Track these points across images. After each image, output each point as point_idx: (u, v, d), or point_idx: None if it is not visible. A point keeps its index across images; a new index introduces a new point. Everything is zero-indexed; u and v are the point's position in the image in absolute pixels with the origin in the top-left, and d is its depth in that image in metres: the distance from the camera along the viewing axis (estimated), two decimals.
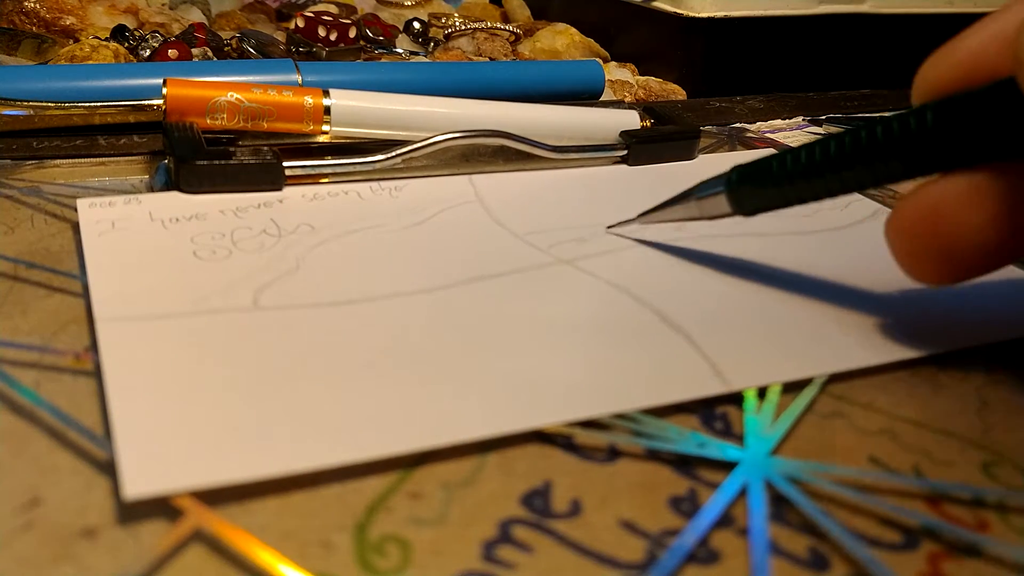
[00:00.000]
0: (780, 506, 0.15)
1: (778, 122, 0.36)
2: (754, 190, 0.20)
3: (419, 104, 0.28)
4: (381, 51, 0.40)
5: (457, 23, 0.44)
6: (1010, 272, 0.23)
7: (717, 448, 0.16)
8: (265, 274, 0.20)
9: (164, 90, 0.25)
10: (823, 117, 0.37)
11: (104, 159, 0.27)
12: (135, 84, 0.28)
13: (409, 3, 0.48)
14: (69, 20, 0.38)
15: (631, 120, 0.30)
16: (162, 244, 0.21)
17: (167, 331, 0.18)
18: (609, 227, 0.24)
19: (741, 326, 0.20)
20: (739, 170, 0.20)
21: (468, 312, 0.19)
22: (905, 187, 0.18)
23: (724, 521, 0.14)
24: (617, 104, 0.34)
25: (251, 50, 0.37)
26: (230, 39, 0.37)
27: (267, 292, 0.20)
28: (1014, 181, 0.16)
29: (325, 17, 0.40)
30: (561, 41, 0.42)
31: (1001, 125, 0.16)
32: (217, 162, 0.24)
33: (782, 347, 0.19)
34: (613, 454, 0.16)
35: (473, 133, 0.27)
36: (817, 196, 0.19)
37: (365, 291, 0.20)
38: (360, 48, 0.40)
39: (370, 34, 0.42)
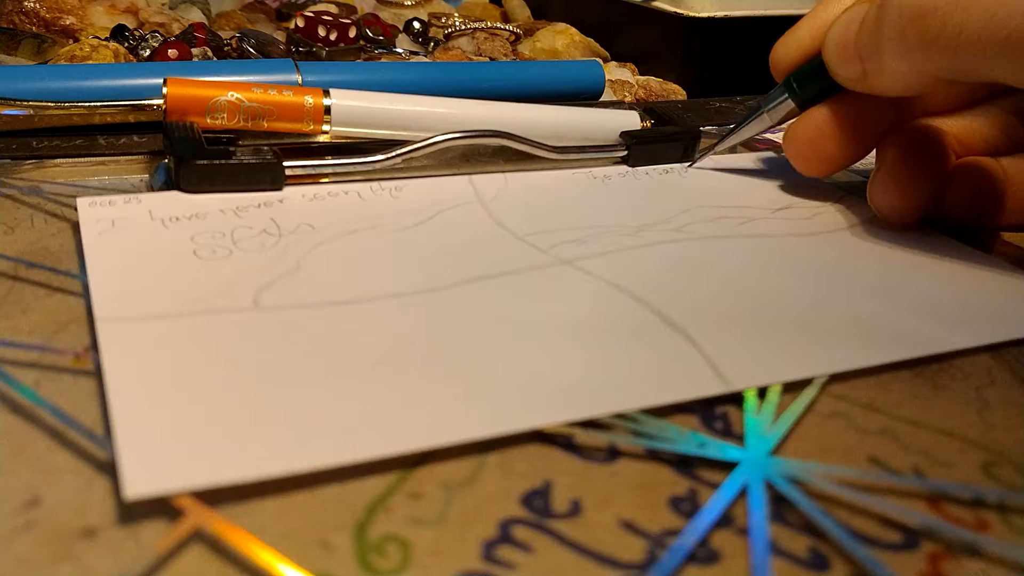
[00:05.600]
0: (780, 506, 0.15)
1: None
2: (810, 86, 0.26)
3: (419, 104, 0.28)
4: (381, 51, 0.40)
5: (457, 23, 0.44)
6: (1011, 272, 0.23)
7: (717, 448, 0.16)
8: (265, 274, 0.20)
9: (164, 89, 0.25)
10: None
11: (104, 159, 0.27)
12: (135, 84, 0.28)
13: (409, 3, 0.48)
14: (69, 20, 0.38)
15: (631, 121, 0.30)
16: (162, 243, 0.21)
17: (167, 331, 0.18)
18: (689, 165, 0.30)
19: (741, 326, 0.20)
20: (796, 77, 0.27)
21: (468, 312, 0.19)
22: None
23: (724, 521, 0.14)
24: (617, 104, 0.34)
25: (251, 50, 0.37)
26: (230, 39, 0.37)
27: (267, 292, 0.20)
28: (853, 107, 0.25)
29: (325, 17, 0.40)
30: (561, 41, 0.42)
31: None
32: (217, 162, 0.24)
33: (782, 347, 0.19)
34: (613, 454, 0.16)
35: (473, 133, 0.27)
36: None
37: (365, 291, 0.20)
38: (360, 48, 0.40)
39: (370, 34, 0.42)
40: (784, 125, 0.28)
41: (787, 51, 0.27)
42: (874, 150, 0.26)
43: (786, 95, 0.27)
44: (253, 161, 0.24)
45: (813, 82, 0.26)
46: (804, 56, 0.26)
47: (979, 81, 0.21)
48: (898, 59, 0.22)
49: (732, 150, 0.31)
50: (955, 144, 0.26)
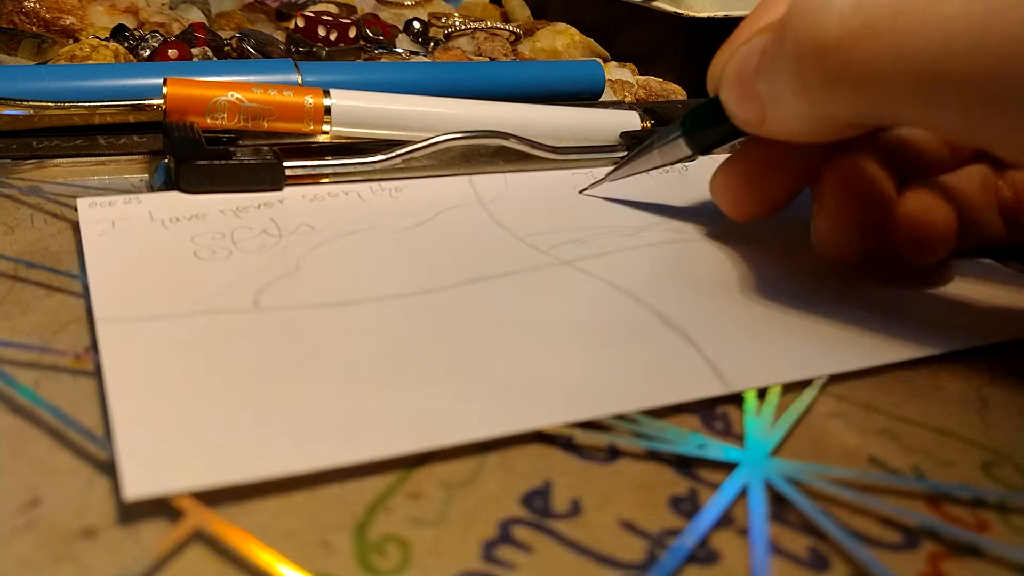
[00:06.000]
0: (780, 506, 0.15)
1: None
2: (707, 130, 0.23)
3: (419, 104, 0.28)
4: (381, 51, 0.40)
5: (457, 23, 0.44)
6: (1010, 273, 0.23)
7: (717, 449, 0.16)
8: (265, 274, 0.20)
9: (164, 89, 0.25)
10: None
11: (104, 159, 0.27)
12: (135, 84, 0.28)
13: (409, 3, 0.48)
14: (69, 20, 0.38)
15: (632, 121, 0.30)
16: (162, 244, 0.21)
17: (167, 331, 0.18)
18: (581, 191, 0.27)
19: (741, 327, 0.20)
20: (691, 115, 0.23)
21: (468, 313, 0.19)
22: None
23: (724, 521, 0.14)
24: (617, 104, 0.34)
25: (251, 50, 0.37)
26: (230, 39, 0.37)
27: (267, 292, 0.20)
28: (775, 145, 0.21)
29: (325, 17, 0.40)
30: (561, 41, 0.42)
31: None
32: (217, 162, 0.24)
33: (782, 348, 0.19)
34: (613, 454, 0.16)
35: (473, 134, 0.27)
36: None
37: (365, 292, 0.20)
38: (360, 48, 0.40)
39: (370, 34, 0.42)
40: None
41: (722, 67, 0.21)
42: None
43: (678, 134, 0.23)
44: (253, 161, 0.24)
45: (710, 126, 0.22)
46: None
47: (890, 125, 0.18)
48: (796, 99, 0.18)
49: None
50: (898, 166, 0.22)
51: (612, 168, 0.26)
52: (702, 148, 0.23)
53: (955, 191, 0.22)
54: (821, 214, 0.22)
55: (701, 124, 0.23)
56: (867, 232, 0.21)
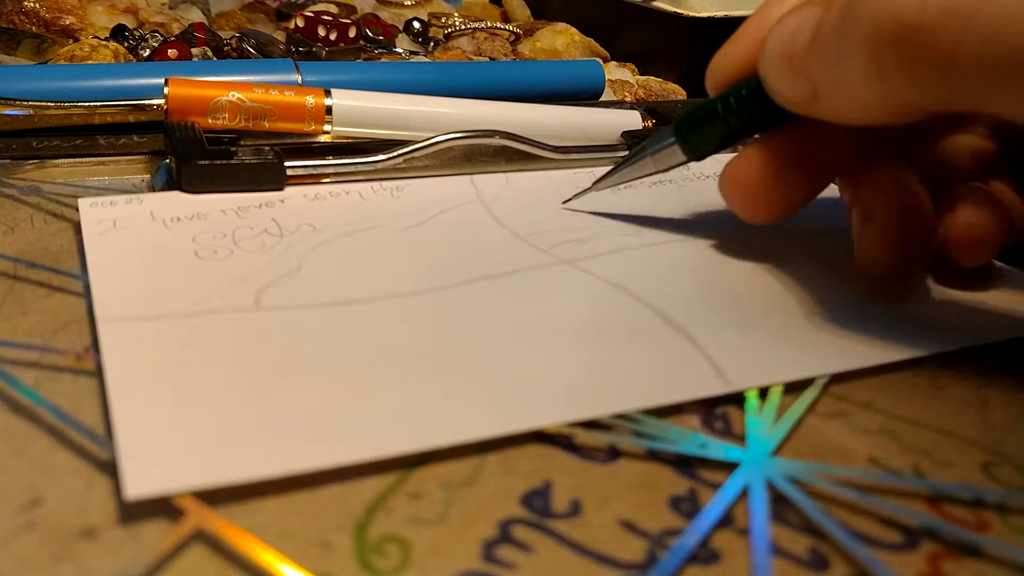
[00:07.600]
0: (781, 506, 0.15)
1: None
2: (703, 133, 0.22)
3: (420, 104, 0.28)
4: (381, 51, 0.40)
5: (457, 23, 0.44)
6: (1010, 272, 0.23)
7: (718, 448, 0.16)
8: (267, 274, 0.20)
9: (166, 89, 0.25)
10: None
11: (104, 159, 0.27)
12: (135, 84, 0.28)
13: (409, 3, 0.48)
14: (69, 20, 0.38)
15: (633, 120, 0.30)
16: (164, 244, 0.21)
17: (168, 331, 0.18)
18: (564, 202, 0.26)
19: (743, 326, 0.20)
20: (687, 119, 0.22)
21: (469, 312, 0.19)
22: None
23: (725, 521, 0.14)
24: (618, 104, 0.34)
25: (251, 50, 0.37)
26: (230, 39, 0.37)
27: (269, 292, 0.20)
28: (800, 139, 0.21)
29: (325, 17, 0.40)
30: (561, 41, 0.42)
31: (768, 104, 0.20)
32: (219, 162, 0.24)
33: (784, 347, 0.19)
34: (613, 454, 0.16)
35: (475, 133, 0.27)
36: (751, 133, 0.22)
37: (366, 291, 0.20)
38: (360, 48, 0.40)
39: (370, 34, 0.42)
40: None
41: (724, 66, 0.22)
42: (840, 192, 0.23)
43: (673, 140, 0.22)
44: (254, 161, 0.24)
45: (704, 130, 0.22)
46: (744, 72, 0.21)
47: (967, 111, 0.17)
48: (867, 82, 0.17)
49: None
50: (931, 175, 0.22)
51: (600, 177, 0.25)
52: (698, 154, 0.22)
53: (998, 197, 0.22)
54: (869, 233, 0.21)
55: (697, 128, 0.22)
56: (918, 246, 0.21)
